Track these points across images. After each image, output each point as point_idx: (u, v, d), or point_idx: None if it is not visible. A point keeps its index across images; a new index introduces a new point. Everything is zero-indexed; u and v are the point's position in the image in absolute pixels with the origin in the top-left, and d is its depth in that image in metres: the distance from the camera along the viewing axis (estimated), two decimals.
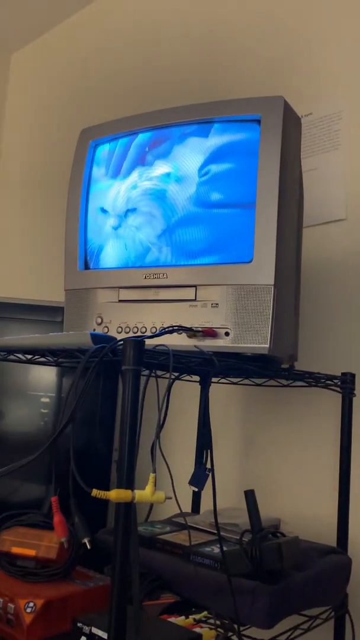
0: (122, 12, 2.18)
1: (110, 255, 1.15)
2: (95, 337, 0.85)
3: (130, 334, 1.08)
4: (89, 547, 0.81)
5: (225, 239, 1.03)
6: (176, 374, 1.36)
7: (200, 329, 1.00)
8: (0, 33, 2.52)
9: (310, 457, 1.40)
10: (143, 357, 0.76)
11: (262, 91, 1.65)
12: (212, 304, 1.01)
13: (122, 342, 0.76)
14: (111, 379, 1.60)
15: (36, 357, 1.02)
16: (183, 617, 0.93)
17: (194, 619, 0.93)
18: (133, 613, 0.77)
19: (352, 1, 1.50)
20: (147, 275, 1.07)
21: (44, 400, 1.56)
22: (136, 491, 0.74)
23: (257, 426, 1.52)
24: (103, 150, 1.20)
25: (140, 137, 1.14)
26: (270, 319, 0.97)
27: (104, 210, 1.15)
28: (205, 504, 1.47)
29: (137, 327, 1.07)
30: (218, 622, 0.92)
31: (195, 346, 0.99)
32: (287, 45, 1.63)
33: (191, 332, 0.99)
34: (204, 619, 0.94)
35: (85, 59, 2.31)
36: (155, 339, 1.00)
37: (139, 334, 1.07)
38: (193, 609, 0.97)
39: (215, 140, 1.06)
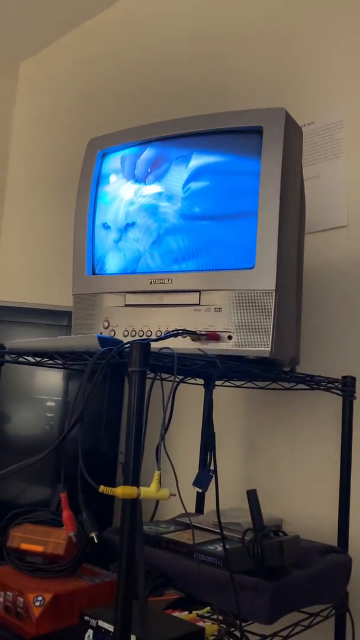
0: (130, 21, 2.22)
1: (118, 261, 1.18)
2: (103, 340, 0.88)
3: (136, 338, 1.11)
4: (96, 541, 0.84)
5: (229, 246, 1.06)
6: (181, 377, 1.39)
7: (204, 333, 1.03)
8: (9, 42, 2.57)
9: (312, 459, 1.43)
10: (149, 359, 0.79)
11: (266, 100, 1.69)
12: (215, 308, 1.04)
13: (128, 344, 0.79)
14: (117, 383, 1.62)
15: (45, 359, 1.05)
16: (187, 612, 0.95)
17: (197, 614, 0.95)
18: (138, 606, 0.80)
19: (355, 11, 1.53)
20: (152, 281, 1.10)
21: (49, 404, 1.59)
22: (141, 488, 0.76)
23: (259, 428, 1.54)
24: (110, 162, 1.23)
25: (146, 153, 1.17)
26: (271, 323, 1.00)
27: (106, 226, 1.19)
28: (209, 504, 1.50)
29: (142, 330, 1.11)
30: (220, 618, 0.95)
31: (199, 349, 1.02)
32: (290, 54, 1.66)
33: (195, 335, 1.02)
34: (207, 614, 0.96)
35: (93, 68, 2.35)
36: (160, 342, 1.03)
37: (144, 337, 1.10)
38: (197, 605, 1.00)
39: (217, 150, 1.10)
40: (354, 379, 1.26)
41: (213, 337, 1.03)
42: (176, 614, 0.94)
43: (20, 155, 2.63)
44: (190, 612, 0.95)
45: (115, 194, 1.21)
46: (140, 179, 1.17)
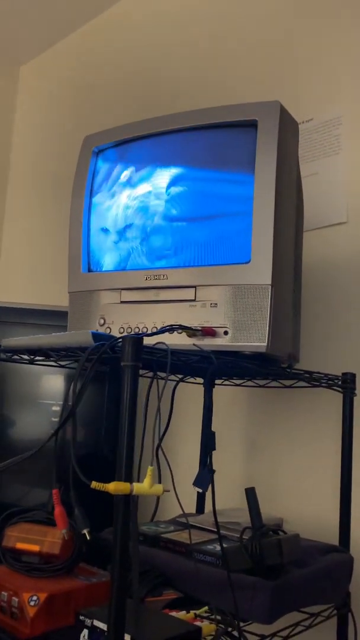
0: (130, 24, 2.22)
1: (113, 259, 1.17)
2: (96, 336, 0.87)
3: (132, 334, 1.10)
4: (88, 538, 0.83)
5: (224, 240, 1.05)
6: (180, 376, 1.38)
7: (199, 328, 1.02)
8: (9, 45, 2.57)
9: (312, 457, 1.41)
10: (141, 353, 0.78)
11: (264, 98, 1.68)
12: (211, 303, 1.03)
13: (120, 339, 0.78)
14: (117, 383, 1.61)
15: (39, 357, 1.04)
16: (184, 612, 0.94)
17: (195, 614, 0.94)
18: (132, 605, 0.78)
19: (353, 8, 1.52)
20: (148, 277, 1.09)
21: (54, 409, 1.58)
22: (134, 484, 0.75)
23: (259, 427, 1.53)
24: (105, 159, 1.23)
25: (141, 148, 1.17)
26: (267, 318, 0.99)
27: (105, 230, 1.19)
28: (209, 504, 1.49)
29: (138, 327, 1.10)
30: (218, 617, 0.93)
31: (194, 345, 1.01)
32: (288, 52, 1.65)
33: (190, 330, 1.01)
34: (204, 614, 0.95)
35: (93, 71, 2.35)
36: (155, 337, 1.02)
37: (140, 333, 1.09)
38: (195, 605, 0.98)
39: (214, 143, 1.09)
40: (354, 375, 1.25)
41: (209, 332, 1.02)
42: (174, 613, 0.93)
43: (20, 158, 2.63)
44: (188, 612, 0.94)
45: (111, 193, 1.20)
46: (136, 176, 1.16)
